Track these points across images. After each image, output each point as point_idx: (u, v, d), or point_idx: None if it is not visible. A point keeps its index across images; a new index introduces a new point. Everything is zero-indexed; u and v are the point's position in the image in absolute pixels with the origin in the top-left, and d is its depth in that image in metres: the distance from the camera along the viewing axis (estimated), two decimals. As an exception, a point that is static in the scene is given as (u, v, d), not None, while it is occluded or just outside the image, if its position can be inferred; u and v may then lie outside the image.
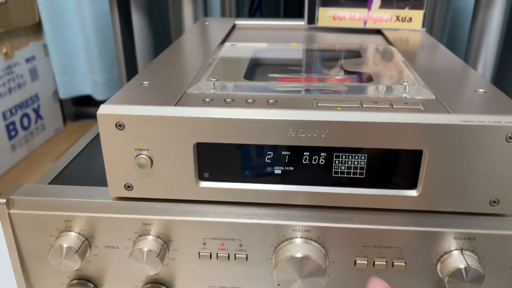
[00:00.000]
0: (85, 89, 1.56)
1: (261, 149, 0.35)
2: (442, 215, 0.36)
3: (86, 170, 0.44)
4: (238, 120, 0.34)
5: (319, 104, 0.35)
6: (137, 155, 0.35)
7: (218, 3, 1.31)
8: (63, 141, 1.56)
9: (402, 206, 0.35)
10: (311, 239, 0.36)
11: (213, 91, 0.38)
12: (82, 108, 1.71)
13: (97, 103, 1.59)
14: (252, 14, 1.22)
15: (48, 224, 0.37)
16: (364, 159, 0.35)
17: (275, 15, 1.40)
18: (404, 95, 0.37)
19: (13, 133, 1.38)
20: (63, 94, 1.55)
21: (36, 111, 1.48)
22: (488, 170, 0.33)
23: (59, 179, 0.42)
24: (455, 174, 0.34)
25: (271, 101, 0.35)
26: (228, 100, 0.36)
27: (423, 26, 0.59)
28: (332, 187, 0.36)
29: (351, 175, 0.36)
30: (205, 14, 0.89)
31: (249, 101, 0.36)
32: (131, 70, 1.10)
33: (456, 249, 0.35)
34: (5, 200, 0.37)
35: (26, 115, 1.44)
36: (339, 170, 0.36)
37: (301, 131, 0.34)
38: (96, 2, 1.36)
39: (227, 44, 0.52)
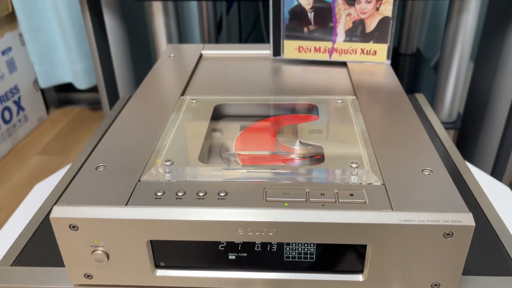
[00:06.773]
0: (65, 77, 1.53)
1: (213, 241, 0.36)
2: (388, 295, 0.38)
3: (48, 246, 0.44)
4: (187, 221, 0.35)
5: (267, 198, 0.36)
6: (93, 251, 0.36)
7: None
8: (47, 130, 1.55)
9: (350, 289, 0.37)
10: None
11: (168, 175, 0.39)
12: (65, 94, 1.68)
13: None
14: (227, 11, 1.19)
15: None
16: (314, 246, 0.36)
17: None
18: (353, 177, 0.38)
19: (-5, 128, 1.36)
20: (43, 84, 1.52)
21: (17, 103, 1.46)
22: (428, 260, 0.35)
23: (22, 258, 0.43)
24: (398, 263, 0.35)
25: (222, 194, 0.36)
26: (180, 194, 0.36)
27: (387, 58, 0.58)
28: (283, 273, 0.37)
29: (302, 260, 0.37)
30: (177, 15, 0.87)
31: (200, 194, 0.36)
32: (107, 63, 1.08)
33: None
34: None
35: (7, 108, 1.42)
36: (290, 256, 0.37)
37: (250, 229, 0.35)
38: (69, -10, 1.32)
39: (187, 99, 0.52)
